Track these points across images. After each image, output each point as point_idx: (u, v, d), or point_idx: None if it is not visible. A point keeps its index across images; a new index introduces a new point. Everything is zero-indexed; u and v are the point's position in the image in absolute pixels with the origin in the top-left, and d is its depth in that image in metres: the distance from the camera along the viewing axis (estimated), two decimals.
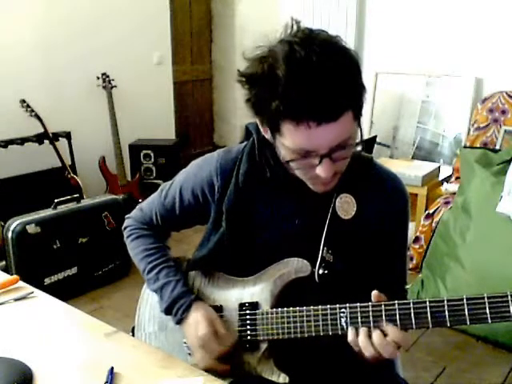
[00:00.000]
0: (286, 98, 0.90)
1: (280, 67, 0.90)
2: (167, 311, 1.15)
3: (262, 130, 1.04)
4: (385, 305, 0.97)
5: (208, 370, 1.06)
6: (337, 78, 0.89)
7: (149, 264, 1.20)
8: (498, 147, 3.15)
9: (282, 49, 0.92)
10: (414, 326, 0.95)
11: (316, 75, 0.88)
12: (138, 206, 1.31)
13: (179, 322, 1.13)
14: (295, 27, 0.96)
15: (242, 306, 1.11)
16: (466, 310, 0.91)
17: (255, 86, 0.96)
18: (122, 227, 1.31)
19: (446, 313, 0.92)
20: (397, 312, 0.95)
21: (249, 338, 1.09)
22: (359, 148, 1.03)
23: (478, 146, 3.21)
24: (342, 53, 0.93)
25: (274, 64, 0.91)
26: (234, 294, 1.14)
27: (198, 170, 1.19)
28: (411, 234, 3.06)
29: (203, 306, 1.12)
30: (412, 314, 0.95)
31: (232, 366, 1.10)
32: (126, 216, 1.32)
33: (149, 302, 1.26)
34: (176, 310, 1.13)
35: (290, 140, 0.95)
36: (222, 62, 5.09)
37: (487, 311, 0.90)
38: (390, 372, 1.19)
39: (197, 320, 1.10)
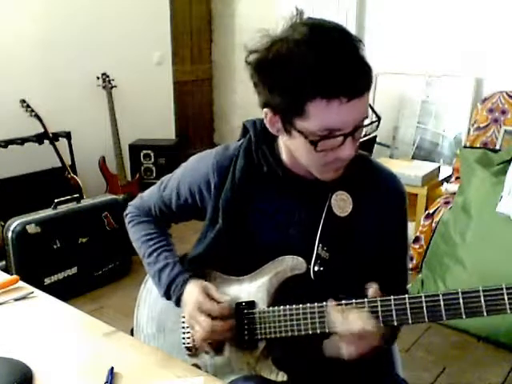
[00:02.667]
0: (318, 74, 0.90)
1: (307, 46, 0.91)
2: (166, 292, 1.17)
3: (268, 123, 1.03)
4: (380, 300, 0.97)
5: (210, 337, 1.07)
6: (359, 56, 0.93)
7: (149, 248, 1.24)
8: (498, 147, 3.15)
9: (300, 31, 0.93)
10: (410, 321, 0.95)
11: (343, 52, 0.91)
12: (139, 194, 1.35)
13: (178, 300, 1.15)
14: (299, 16, 0.98)
15: (238, 305, 1.11)
16: (462, 304, 0.92)
17: (279, 68, 0.94)
18: (124, 213, 1.35)
19: (442, 307, 0.93)
20: (393, 307, 0.96)
21: (246, 337, 1.09)
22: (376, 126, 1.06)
23: (478, 146, 3.20)
24: (353, 35, 0.95)
25: (298, 44, 0.92)
26: (230, 294, 1.14)
27: (196, 166, 1.21)
28: (411, 234, 3.06)
29: (198, 280, 1.14)
30: (408, 310, 0.95)
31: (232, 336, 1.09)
32: (129, 203, 1.36)
33: (147, 302, 1.26)
34: (174, 287, 1.16)
35: (316, 120, 0.93)
36: (222, 62, 5.08)
37: (482, 304, 0.91)
38: (390, 372, 1.19)
39: (192, 289, 1.12)
